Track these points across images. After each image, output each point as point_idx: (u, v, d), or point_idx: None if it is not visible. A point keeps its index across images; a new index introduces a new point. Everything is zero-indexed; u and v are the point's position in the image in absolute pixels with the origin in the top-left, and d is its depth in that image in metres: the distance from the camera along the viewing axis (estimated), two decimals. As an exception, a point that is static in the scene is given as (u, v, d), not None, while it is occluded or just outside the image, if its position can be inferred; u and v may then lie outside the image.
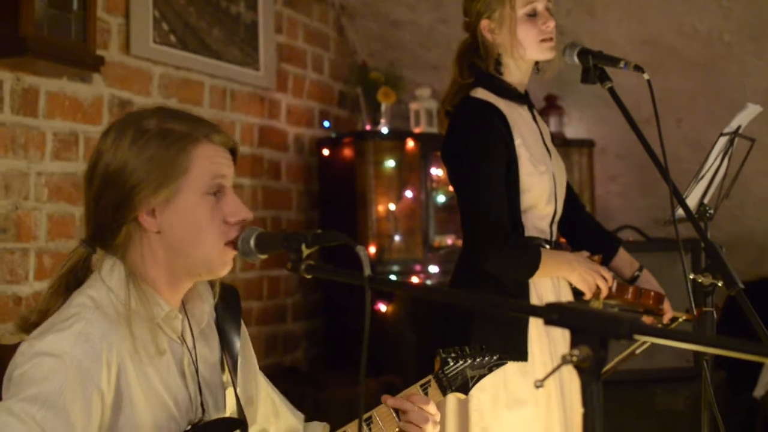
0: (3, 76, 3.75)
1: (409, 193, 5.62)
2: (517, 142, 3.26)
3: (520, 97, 3.41)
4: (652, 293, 3.32)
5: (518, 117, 3.34)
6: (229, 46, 5.15)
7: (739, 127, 3.11)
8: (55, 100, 4.00)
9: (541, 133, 3.43)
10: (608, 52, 3.15)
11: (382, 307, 5.41)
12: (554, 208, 3.40)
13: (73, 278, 2.20)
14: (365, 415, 2.44)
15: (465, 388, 2.68)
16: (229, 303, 2.40)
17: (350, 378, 5.08)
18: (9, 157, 3.77)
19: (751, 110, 3.11)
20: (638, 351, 3.58)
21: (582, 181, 6.14)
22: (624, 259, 3.54)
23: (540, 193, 3.30)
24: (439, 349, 2.65)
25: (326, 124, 6.11)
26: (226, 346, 2.35)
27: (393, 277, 5.47)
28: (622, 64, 3.04)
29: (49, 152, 3.96)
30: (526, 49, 3.30)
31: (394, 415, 2.48)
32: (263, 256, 2.07)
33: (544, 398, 3.24)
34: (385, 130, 5.79)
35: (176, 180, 2.10)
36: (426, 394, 2.56)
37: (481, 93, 3.32)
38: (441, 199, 5.73)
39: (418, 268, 5.61)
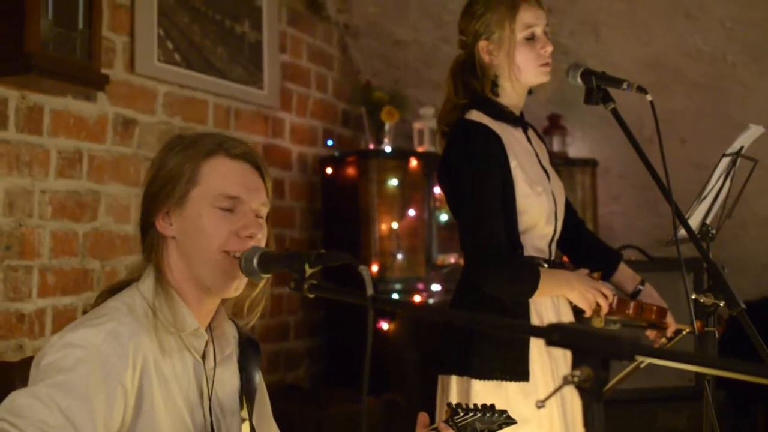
0: (8, 93, 3.76)
1: (412, 212, 5.63)
2: (513, 164, 3.25)
3: (515, 120, 3.40)
4: (655, 307, 3.31)
5: (513, 139, 3.34)
6: (233, 65, 5.17)
7: (741, 148, 3.12)
8: (59, 118, 4.01)
9: (537, 155, 3.43)
10: (612, 73, 3.15)
11: (384, 326, 5.40)
12: (554, 228, 3.39)
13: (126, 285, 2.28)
14: None
15: None
16: (251, 349, 2.46)
17: (352, 396, 5.08)
18: (13, 174, 3.78)
19: (754, 131, 3.12)
20: (642, 366, 3.57)
21: (584, 200, 6.14)
22: (625, 273, 3.52)
23: (538, 213, 3.30)
24: (449, 402, 2.69)
25: (330, 142, 6.13)
26: (245, 381, 2.39)
27: (395, 296, 5.48)
28: (625, 85, 3.04)
29: (53, 170, 3.97)
30: (523, 73, 3.30)
31: None
32: (266, 276, 2.08)
33: (546, 418, 3.23)
34: (388, 149, 5.80)
35: (186, 187, 2.19)
36: None
37: (475, 115, 3.31)
38: (444, 217, 5.74)
39: (420, 286, 5.61)
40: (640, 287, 3.47)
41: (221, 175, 2.20)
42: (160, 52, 4.62)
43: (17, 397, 1.91)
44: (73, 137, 4.08)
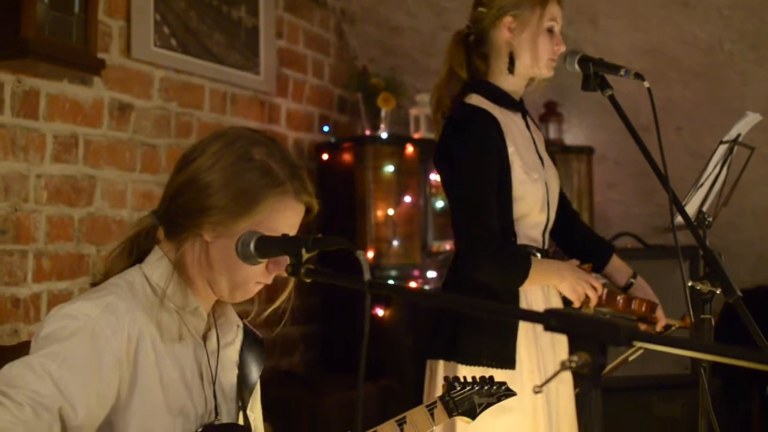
0: (4, 78, 3.75)
1: (408, 199, 5.63)
2: (510, 149, 3.25)
3: (515, 105, 3.40)
4: (645, 301, 3.31)
5: (512, 124, 3.33)
6: (229, 50, 5.15)
7: (738, 135, 3.11)
8: (55, 103, 4.00)
9: (534, 141, 3.42)
10: (609, 61, 3.15)
11: (380, 312, 5.41)
12: (546, 217, 3.39)
13: (135, 244, 2.27)
14: (399, 416, 2.51)
15: (472, 413, 2.70)
16: (256, 346, 2.47)
17: (347, 382, 5.08)
18: (9, 159, 3.77)
19: (751, 118, 3.11)
20: (631, 358, 3.58)
21: (581, 188, 6.14)
22: (618, 266, 3.53)
23: (533, 201, 3.29)
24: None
25: (326, 128, 6.12)
26: (244, 370, 2.40)
27: (391, 282, 5.47)
28: (622, 72, 3.04)
29: (49, 154, 3.96)
30: (539, 60, 3.31)
31: (429, 417, 2.51)
32: (263, 260, 2.08)
33: (530, 408, 3.22)
34: (384, 135, 5.80)
35: (248, 219, 2.15)
36: (432, 415, 2.59)
37: (475, 99, 3.31)
38: (440, 204, 5.74)
39: (416, 273, 5.62)
40: (632, 280, 3.47)
41: (283, 216, 2.19)
42: (157, 37, 4.61)
43: (11, 368, 1.92)
44: (69, 122, 4.07)
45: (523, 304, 3.27)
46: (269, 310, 2.40)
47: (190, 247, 2.19)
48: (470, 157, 3.23)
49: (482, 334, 3.22)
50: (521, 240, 3.30)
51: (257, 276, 2.22)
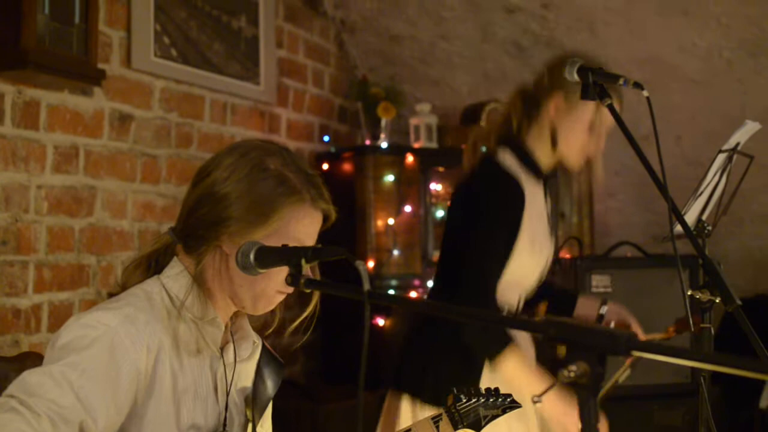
0: (4, 88, 3.76)
1: (408, 208, 5.63)
2: (525, 217, 3.23)
3: (540, 175, 3.37)
4: (615, 324, 3.32)
5: (532, 195, 3.29)
6: (229, 61, 5.16)
7: (737, 144, 3.11)
8: (56, 113, 4.01)
9: (548, 213, 3.42)
10: (608, 70, 3.15)
11: (380, 321, 5.40)
12: (533, 283, 3.39)
13: (154, 260, 2.28)
14: (404, 427, 2.53)
15: (477, 426, 2.68)
16: (274, 366, 2.52)
17: (348, 392, 5.08)
18: (9, 169, 3.78)
19: (750, 127, 3.11)
20: (621, 380, 3.58)
21: (581, 196, 6.13)
22: (585, 304, 3.55)
23: (525, 269, 3.28)
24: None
25: (326, 138, 6.13)
26: (257, 389, 2.41)
27: (391, 292, 5.47)
28: (621, 81, 3.03)
29: (49, 165, 3.97)
30: (569, 149, 3.31)
31: (435, 430, 2.51)
32: (263, 271, 2.08)
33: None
34: (384, 144, 5.80)
35: (265, 229, 2.17)
36: (437, 428, 2.58)
37: (508, 159, 3.27)
38: (440, 214, 5.74)
39: (416, 282, 5.61)
40: (603, 308, 3.47)
41: (302, 225, 2.22)
42: (157, 48, 4.62)
43: (30, 376, 1.91)
44: (69, 132, 4.08)
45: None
46: (296, 323, 2.42)
47: (211, 261, 2.20)
48: (498, 216, 3.19)
49: (449, 372, 3.19)
50: (498, 299, 3.27)
51: (278, 285, 2.24)
